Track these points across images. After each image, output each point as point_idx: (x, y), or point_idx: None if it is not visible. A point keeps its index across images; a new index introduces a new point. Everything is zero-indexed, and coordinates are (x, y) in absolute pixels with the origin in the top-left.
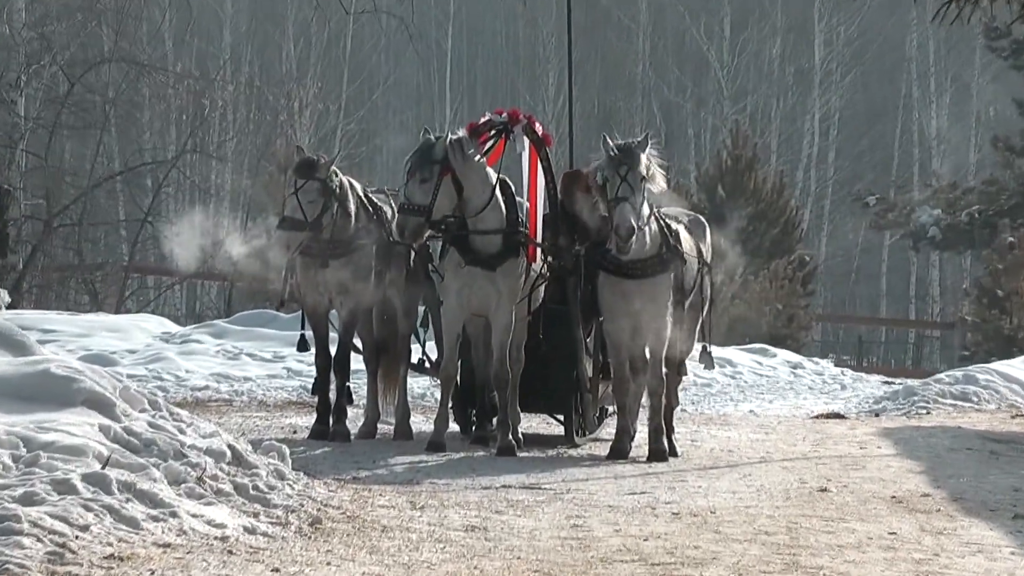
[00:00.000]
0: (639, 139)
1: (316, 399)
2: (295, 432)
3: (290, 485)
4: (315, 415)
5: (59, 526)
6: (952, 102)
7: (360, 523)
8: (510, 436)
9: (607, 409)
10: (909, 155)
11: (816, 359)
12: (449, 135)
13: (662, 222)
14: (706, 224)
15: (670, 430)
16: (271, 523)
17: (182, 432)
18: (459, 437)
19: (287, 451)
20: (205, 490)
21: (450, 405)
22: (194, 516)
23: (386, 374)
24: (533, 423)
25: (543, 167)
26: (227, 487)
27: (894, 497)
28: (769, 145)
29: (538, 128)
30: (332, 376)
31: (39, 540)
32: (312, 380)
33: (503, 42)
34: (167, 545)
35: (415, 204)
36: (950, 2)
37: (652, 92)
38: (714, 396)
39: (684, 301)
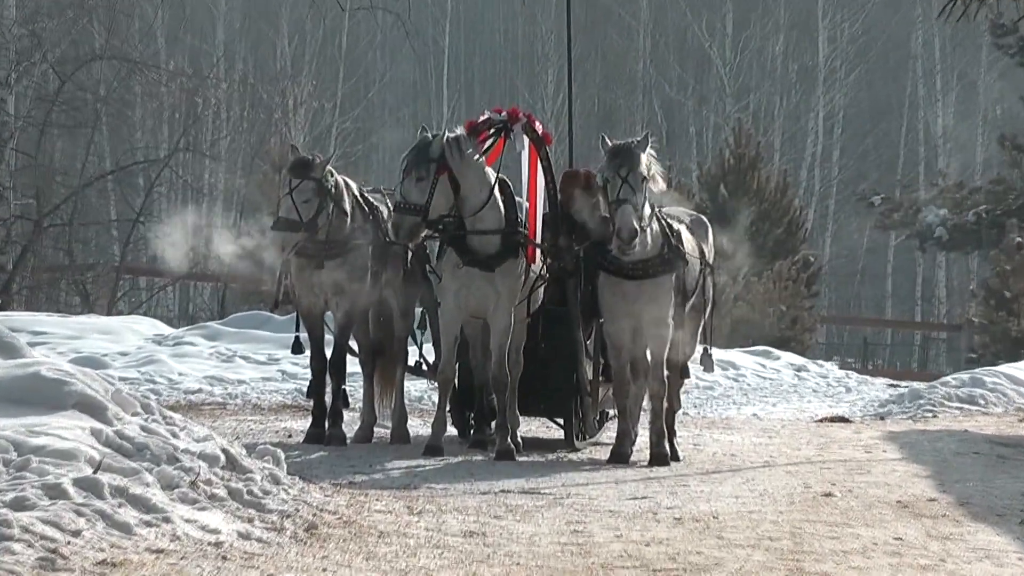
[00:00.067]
0: (639, 139)
1: (311, 402)
2: (290, 436)
3: (285, 490)
4: (311, 419)
5: (50, 531)
6: (958, 100)
7: (356, 528)
8: (509, 440)
9: (608, 412)
10: (915, 154)
11: (820, 362)
12: (446, 133)
13: (663, 222)
14: (708, 224)
15: (672, 434)
16: (266, 528)
17: (175, 436)
18: (457, 441)
19: (282, 455)
20: (199, 495)
21: (448, 408)
22: (187, 521)
23: (383, 377)
24: (532, 427)
25: (543, 166)
26: (221, 492)
27: (900, 502)
28: (772, 144)
29: (538, 127)
30: (328, 379)
31: (30, 546)
32: (307, 383)
33: (501, 39)
34: (160, 551)
35: (411, 203)
36: None
37: (653, 90)
38: (717, 399)
39: (686, 302)
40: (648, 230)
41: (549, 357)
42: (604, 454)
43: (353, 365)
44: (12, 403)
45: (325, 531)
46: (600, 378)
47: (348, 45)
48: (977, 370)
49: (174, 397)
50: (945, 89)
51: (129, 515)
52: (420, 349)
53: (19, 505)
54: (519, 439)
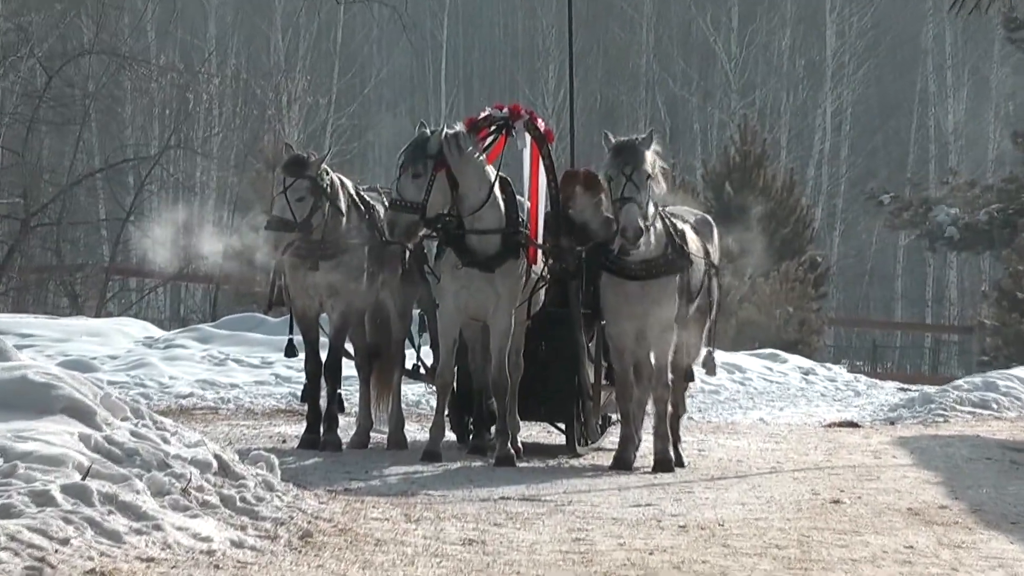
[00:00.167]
0: (643, 136)
1: (306, 407)
2: (284, 441)
3: (279, 497)
4: (305, 424)
5: (38, 539)
6: (970, 96)
7: (352, 536)
8: (509, 445)
9: (610, 417)
10: (925, 151)
11: (828, 365)
12: (445, 129)
13: (667, 221)
14: (713, 224)
15: (676, 439)
16: (259, 536)
17: (166, 441)
18: (456, 446)
19: (276, 461)
20: (190, 502)
21: (446, 413)
22: (179, 529)
23: (379, 380)
24: (533, 431)
25: (545, 165)
26: (213, 499)
27: (910, 509)
28: (779, 141)
29: (540, 124)
30: (323, 383)
31: (16, 554)
32: (302, 387)
33: (501, 33)
34: (151, 559)
35: (407, 200)
36: None
37: (656, 85)
38: (722, 403)
39: (691, 304)
40: (652, 230)
41: (550, 360)
42: (607, 460)
43: (349, 368)
44: None
45: (320, 539)
46: (603, 381)
47: (343, 39)
48: (990, 373)
49: (165, 401)
50: (957, 84)
51: (119, 523)
52: (418, 352)
53: (5, 512)
54: (519, 444)
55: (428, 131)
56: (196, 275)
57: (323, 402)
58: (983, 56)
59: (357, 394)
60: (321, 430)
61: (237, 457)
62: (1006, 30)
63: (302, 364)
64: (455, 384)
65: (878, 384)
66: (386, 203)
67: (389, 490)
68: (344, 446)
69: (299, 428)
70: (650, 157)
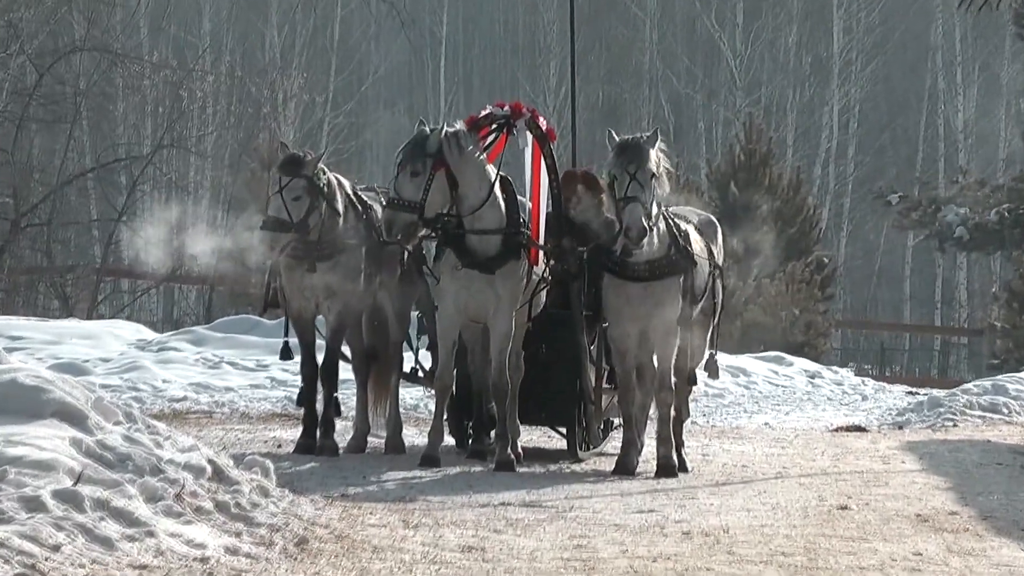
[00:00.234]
0: (647, 134)
1: (302, 411)
2: (280, 446)
3: (274, 503)
4: (301, 428)
5: (28, 546)
6: (980, 93)
7: (349, 543)
8: (509, 450)
9: (612, 421)
10: (934, 150)
11: (835, 368)
12: (445, 127)
13: (670, 221)
14: (717, 224)
15: (680, 444)
16: (254, 543)
17: (159, 446)
18: (455, 451)
19: (271, 466)
20: (184, 508)
21: (445, 417)
22: (172, 535)
23: (377, 384)
24: (533, 436)
25: (547, 164)
26: (207, 504)
27: (919, 515)
28: (785, 139)
29: (542, 123)
30: (319, 386)
31: (7, 562)
32: (298, 390)
33: (501, 29)
34: (143, 566)
35: (405, 199)
36: None
37: (660, 83)
38: (727, 407)
39: (694, 306)
40: (655, 230)
41: (551, 363)
42: (609, 465)
43: (346, 372)
44: None
45: (316, 546)
46: (604, 385)
47: (340, 35)
48: (1000, 377)
49: (158, 405)
50: (966, 82)
51: (111, 529)
52: (416, 355)
53: None
54: (519, 449)
55: (428, 129)
56: (190, 276)
57: (319, 406)
58: (993, 52)
59: (354, 398)
60: (317, 434)
61: (232, 462)
62: (1016, 26)
63: (298, 367)
64: (454, 387)
65: (886, 388)
66: (384, 203)
67: (387, 496)
68: (341, 451)
69: (295, 432)
70: (654, 156)
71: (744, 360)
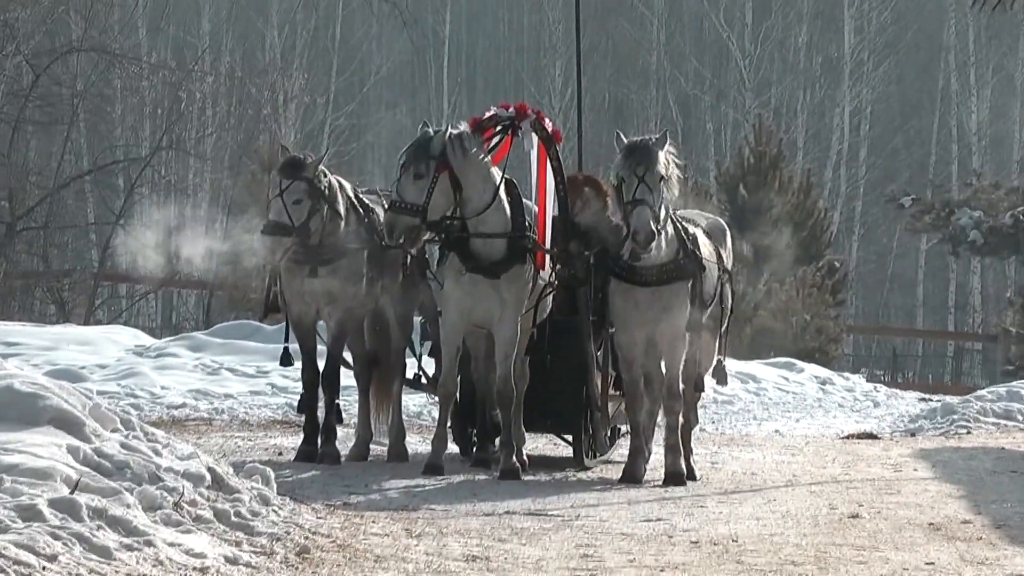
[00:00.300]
0: (656, 136)
1: (303, 418)
2: (280, 454)
3: (275, 511)
4: (302, 435)
5: (24, 556)
6: (994, 94)
7: (351, 552)
8: (514, 458)
9: (619, 429)
10: (947, 152)
11: (847, 374)
12: (449, 129)
13: (679, 225)
14: (726, 228)
15: (688, 451)
16: (254, 552)
17: (157, 454)
18: (459, 459)
19: (272, 474)
20: (183, 517)
21: (449, 424)
22: (171, 545)
23: (379, 390)
24: (539, 444)
25: (553, 166)
26: (207, 513)
27: (932, 524)
28: (795, 141)
29: (548, 124)
30: (320, 393)
31: (3, 572)
32: (298, 397)
33: (505, 29)
34: None
35: (407, 202)
36: None
37: (668, 84)
38: (736, 414)
39: (703, 311)
40: (663, 234)
41: (557, 369)
42: (616, 473)
43: (347, 378)
44: None
45: (318, 555)
46: (611, 392)
47: (342, 36)
48: (1014, 383)
49: (156, 412)
50: (980, 83)
51: (108, 538)
52: (419, 361)
53: None
54: (524, 457)
55: (431, 131)
56: (188, 281)
57: (321, 413)
58: (1008, 53)
59: (356, 405)
60: (319, 442)
61: (231, 470)
62: None
63: (299, 373)
64: (458, 394)
65: (898, 394)
66: (386, 206)
67: (389, 504)
68: (343, 459)
69: (296, 440)
70: (663, 158)
71: (754, 366)
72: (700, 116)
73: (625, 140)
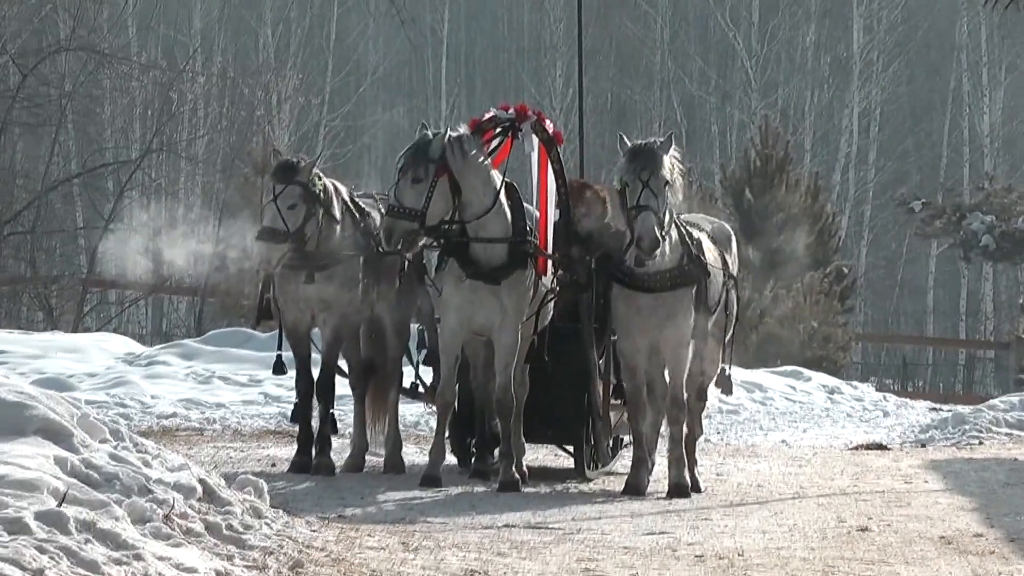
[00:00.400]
0: (661, 140)
1: (297, 428)
2: (274, 465)
3: (268, 524)
4: (296, 446)
5: (10, 570)
6: (1007, 95)
7: (346, 566)
8: (513, 469)
9: (622, 439)
10: (959, 154)
11: (855, 383)
12: (448, 132)
13: (683, 230)
14: (732, 233)
15: (692, 462)
16: (247, 566)
17: (147, 465)
18: (457, 470)
19: (264, 486)
20: (173, 529)
21: (447, 435)
22: (161, 559)
23: (375, 400)
24: (539, 454)
25: (554, 169)
26: (198, 526)
27: (943, 537)
28: (802, 144)
29: (548, 126)
30: (315, 402)
31: None
32: (292, 406)
33: (505, 28)
34: None
35: (405, 207)
36: None
37: (672, 84)
38: (741, 424)
39: (708, 318)
40: (667, 239)
41: (558, 378)
42: (618, 485)
43: (342, 387)
44: None
45: (312, 569)
46: (613, 401)
47: (337, 35)
48: None
49: (146, 422)
50: (993, 84)
51: (97, 552)
52: (416, 369)
53: None
54: (524, 468)
55: (430, 134)
56: (179, 287)
57: (315, 423)
58: (1021, 52)
59: (351, 414)
60: (313, 453)
61: (223, 482)
62: None
63: (292, 382)
64: (456, 404)
65: (908, 404)
66: (383, 210)
67: (385, 517)
68: (337, 470)
69: (289, 451)
70: (668, 162)
71: (760, 375)
72: (705, 118)
73: (629, 143)
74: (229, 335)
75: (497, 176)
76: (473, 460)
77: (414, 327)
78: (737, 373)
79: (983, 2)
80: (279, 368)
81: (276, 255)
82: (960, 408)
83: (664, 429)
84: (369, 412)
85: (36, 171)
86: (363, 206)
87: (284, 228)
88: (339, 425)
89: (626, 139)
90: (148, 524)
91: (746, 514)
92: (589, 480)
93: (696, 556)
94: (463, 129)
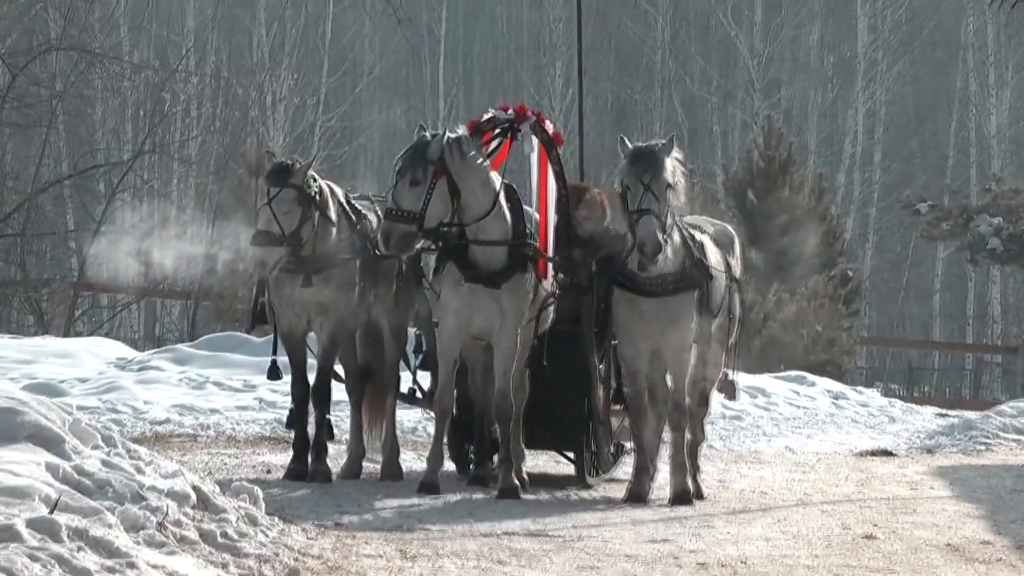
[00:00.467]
0: (663, 142)
1: (292, 434)
2: (269, 471)
3: (263, 532)
4: (292, 452)
5: None
6: (1014, 95)
7: (343, 575)
8: (513, 476)
9: (623, 445)
10: (965, 155)
11: (860, 388)
12: (447, 133)
13: (685, 232)
14: (735, 235)
15: (695, 469)
16: (242, 574)
17: (140, 472)
18: (455, 477)
19: (260, 493)
20: (167, 537)
21: (445, 441)
22: (154, 567)
23: (372, 405)
24: (539, 461)
25: (554, 170)
26: (192, 534)
27: (949, 545)
28: (806, 144)
29: (548, 126)
30: (311, 408)
31: None
32: (287, 412)
33: (504, 27)
34: None
35: (403, 210)
36: None
37: (673, 84)
38: (745, 430)
39: (710, 321)
40: (669, 242)
41: (558, 383)
42: (619, 492)
43: (339, 392)
44: None
45: None
46: (615, 406)
47: (333, 34)
48: None
49: (139, 428)
50: (1000, 83)
51: (89, 560)
52: (414, 374)
53: None
54: (524, 475)
55: (428, 135)
56: (173, 291)
57: (311, 429)
58: None
59: (347, 420)
60: (309, 459)
61: (218, 489)
62: None
63: (288, 387)
64: (455, 409)
65: (915, 409)
66: (379, 212)
67: (383, 524)
68: (334, 477)
69: (285, 457)
70: (670, 165)
71: (764, 380)
72: (707, 118)
73: (630, 145)
74: (223, 340)
75: (496, 178)
76: (472, 466)
77: (412, 331)
78: (741, 378)
79: (989, 1)
80: (274, 373)
81: (272, 259)
82: (967, 413)
83: (666, 435)
84: (366, 418)
85: (26, 172)
86: (359, 208)
87: (279, 231)
88: (336, 431)
89: (627, 141)
90: (141, 532)
91: (749, 521)
92: (590, 487)
93: (699, 564)
94: (462, 130)
